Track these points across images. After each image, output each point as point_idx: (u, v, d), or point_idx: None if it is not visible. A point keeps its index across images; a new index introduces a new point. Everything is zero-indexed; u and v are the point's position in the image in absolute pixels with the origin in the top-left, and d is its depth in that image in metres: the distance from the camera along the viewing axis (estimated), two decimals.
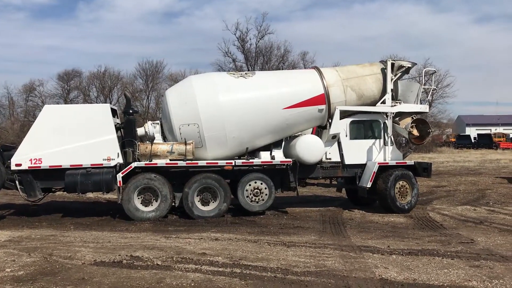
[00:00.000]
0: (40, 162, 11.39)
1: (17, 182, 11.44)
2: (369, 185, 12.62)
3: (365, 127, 13.41)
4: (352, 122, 13.12)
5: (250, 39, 54.59)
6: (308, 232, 9.99)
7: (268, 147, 12.93)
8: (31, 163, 11.36)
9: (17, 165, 11.35)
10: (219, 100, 12.04)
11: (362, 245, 8.37)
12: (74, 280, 6.28)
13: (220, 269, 6.71)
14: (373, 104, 13.16)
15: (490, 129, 77.66)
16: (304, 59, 56.30)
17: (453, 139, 66.74)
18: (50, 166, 11.42)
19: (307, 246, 8.25)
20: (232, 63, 54.15)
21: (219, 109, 11.95)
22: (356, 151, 13.06)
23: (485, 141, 60.82)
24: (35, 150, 11.39)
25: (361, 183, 12.95)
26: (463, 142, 62.42)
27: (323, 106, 12.71)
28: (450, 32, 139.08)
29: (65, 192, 12.32)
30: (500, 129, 77.45)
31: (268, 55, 56.67)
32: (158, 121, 12.86)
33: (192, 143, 11.87)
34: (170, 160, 11.89)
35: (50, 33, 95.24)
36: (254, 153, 12.92)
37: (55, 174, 11.48)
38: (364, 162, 13.08)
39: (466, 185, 20.29)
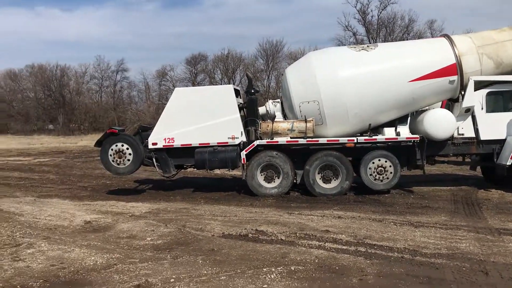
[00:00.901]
0: (172, 141, 12.27)
1: (154, 160, 12.47)
2: (509, 162, 11.42)
3: (504, 99, 12.10)
4: (489, 94, 11.92)
5: (371, 10, 52.45)
6: (437, 212, 9.40)
7: (392, 123, 12.33)
8: (165, 142, 12.29)
9: (153, 144, 12.36)
10: (339, 76, 11.75)
11: (501, 228, 7.65)
12: (205, 250, 6.70)
13: (344, 247, 6.64)
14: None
15: None
16: (432, 28, 52.47)
17: None
18: (181, 145, 12.25)
19: (437, 227, 7.77)
20: (352, 37, 52.56)
21: (340, 85, 11.67)
22: (494, 125, 11.85)
23: None
24: (168, 130, 12.29)
25: (499, 160, 11.77)
26: None
27: (455, 77, 11.71)
28: None
29: (195, 169, 13.13)
30: None
31: (391, 26, 53.84)
32: (279, 100, 13.00)
33: (312, 120, 11.80)
34: (291, 137, 11.98)
35: (178, 21, 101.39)
36: (377, 129, 12.42)
37: (186, 152, 12.29)
38: (503, 138, 11.84)
39: None
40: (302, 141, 11.86)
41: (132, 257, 6.44)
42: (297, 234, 7.39)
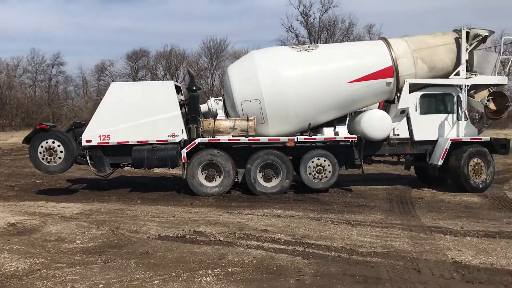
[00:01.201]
0: (108, 138, 11.75)
1: (87, 158, 11.89)
2: (440, 162, 11.91)
3: (436, 101, 12.61)
4: (422, 96, 12.37)
5: (313, 13, 53.53)
6: (374, 211, 9.61)
7: (332, 123, 12.53)
8: (100, 139, 11.75)
9: (87, 141, 11.78)
10: (281, 75, 11.75)
11: (432, 226, 7.91)
12: (138, 253, 6.40)
13: (282, 247, 6.58)
14: (446, 76, 12.30)
15: None
16: (370, 32, 54.36)
17: None
18: (118, 142, 11.76)
19: (373, 226, 7.91)
20: (295, 39, 53.37)
21: (281, 85, 11.68)
22: (427, 127, 12.33)
23: None
24: (104, 127, 11.76)
25: (431, 161, 12.26)
26: None
27: (391, 79, 12.05)
28: None
29: (133, 168, 12.67)
30: None
31: (332, 29, 55.24)
32: (221, 98, 12.82)
33: (254, 119, 11.73)
34: (233, 136, 11.85)
35: (120, 14, 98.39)
36: (317, 129, 12.57)
37: (123, 150, 11.81)
38: (435, 138, 12.34)
39: None
40: (244, 139, 11.75)
41: (59, 261, 6.04)
42: (236, 234, 7.26)
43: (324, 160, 11.93)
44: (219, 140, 11.75)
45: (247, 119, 11.72)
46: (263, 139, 11.86)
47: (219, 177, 11.78)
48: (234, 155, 11.93)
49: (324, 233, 7.37)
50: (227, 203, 10.66)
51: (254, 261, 5.99)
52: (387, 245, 6.61)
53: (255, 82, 11.74)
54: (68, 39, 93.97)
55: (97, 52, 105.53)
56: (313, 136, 12.05)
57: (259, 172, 11.85)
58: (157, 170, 15.67)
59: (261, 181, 11.85)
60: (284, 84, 11.69)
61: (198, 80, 58.50)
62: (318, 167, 11.90)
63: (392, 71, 12.02)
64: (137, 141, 11.83)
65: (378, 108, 13.21)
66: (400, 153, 12.75)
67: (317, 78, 11.89)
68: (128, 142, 11.75)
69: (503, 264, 5.76)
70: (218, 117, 12.24)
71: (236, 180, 12.02)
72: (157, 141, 11.86)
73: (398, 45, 12.33)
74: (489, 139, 12.15)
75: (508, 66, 13.44)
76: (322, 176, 11.91)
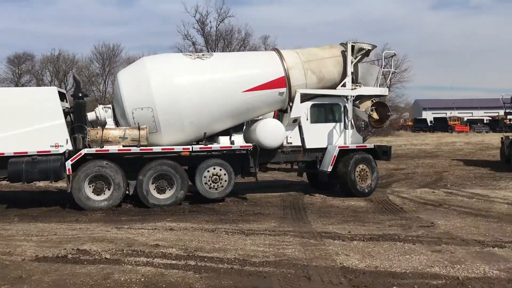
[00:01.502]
0: None
1: None
2: (329, 169, 12.44)
3: (325, 111, 13.18)
4: (313, 106, 12.85)
5: (210, 22, 53.76)
6: (268, 218, 9.69)
7: (227, 132, 12.50)
8: None
9: None
10: (174, 83, 11.47)
11: (323, 231, 8.14)
12: (10, 278, 5.72)
13: (173, 262, 6.29)
14: (334, 87, 12.92)
15: (446, 113, 79.94)
16: (265, 43, 55.94)
17: (410, 123, 68.32)
18: None
19: (266, 234, 7.93)
20: (192, 47, 53.09)
21: (174, 92, 11.40)
22: (317, 135, 12.82)
23: (441, 125, 62.53)
24: None
25: (321, 167, 12.75)
26: (420, 125, 63.99)
27: (284, 89, 12.35)
28: (407, 17, 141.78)
29: (10, 182, 11.49)
30: (455, 113, 79.83)
31: (228, 39, 55.94)
32: (110, 105, 12.17)
33: (146, 128, 11.28)
34: (123, 146, 11.28)
35: (1, 15, 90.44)
36: (213, 138, 12.46)
37: None
38: (325, 146, 12.88)
39: (424, 168, 20.61)
40: (135, 149, 11.23)
41: None
42: (124, 251, 6.82)
43: (220, 169, 11.82)
44: (108, 150, 11.11)
45: (139, 128, 11.24)
46: (156, 148, 11.45)
47: (108, 190, 11.11)
48: (124, 166, 11.34)
49: (217, 244, 7.21)
50: (116, 217, 10.07)
51: (143, 279, 5.64)
52: (279, 254, 6.64)
53: (147, 89, 11.33)
54: None
55: None
56: (209, 145, 11.91)
57: (152, 183, 11.40)
58: (40, 184, 14.41)
59: (154, 192, 11.40)
60: (178, 91, 11.43)
61: (89, 87, 55.59)
62: (214, 177, 11.76)
63: (284, 82, 12.32)
64: (15, 152, 10.77)
65: (273, 117, 13.48)
66: (293, 160, 13.08)
67: (212, 86, 11.80)
68: (3, 153, 10.64)
69: (386, 266, 6.05)
70: (107, 126, 11.58)
71: (127, 192, 11.45)
72: (38, 152, 10.89)
73: (290, 56, 12.69)
74: (373, 146, 12.95)
75: (389, 78, 14.45)
76: (218, 185, 11.79)
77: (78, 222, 9.36)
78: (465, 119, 69.18)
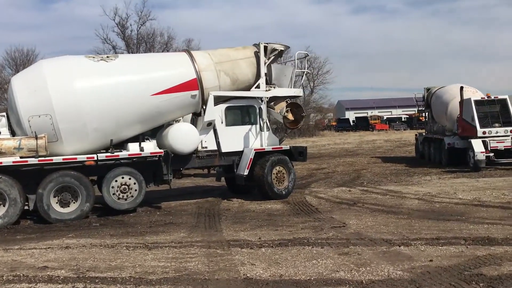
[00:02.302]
0: None
1: None
2: (246, 172, 12.13)
3: (241, 113, 12.89)
4: (227, 108, 12.50)
5: (131, 25, 52.15)
6: (179, 228, 9.18)
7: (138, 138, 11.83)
8: None
9: None
10: (74, 87, 10.64)
11: (232, 239, 7.76)
12: None
13: (59, 286, 5.61)
14: (248, 88, 12.64)
15: (367, 112, 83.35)
16: (189, 47, 55.06)
17: (334, 123, 70.38)
18: None
19: (171, 247, 7.41)
20: (112, 50, 51.10)
21: (75, 97, 10.56)
22: (233, 138, 12.48)
23: (362, 124, 64.98)
24: None
25: (238, 171, 12.42)
26: (343, 125, 66.08)
27: (196, 92, 11.88)
28: (329, 22, 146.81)
29: None
30: (376, 112, 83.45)
31: (151, 42, 54.59)
32: (4, 114, 11.07)
33: (45, 137, 10.34)
34: (20, 157, 10.26)
35: None
36: (123, 145, 11.71)
37: None
38: (241, 149, 12.56)
39: (344, 166, 21.03)
40: (32, 160, 10.26)
41: None
42: (4, 278, 6.01)
43: (129, 178, 11.12)
44: (1, 163, 10.04)
45: (36, 137, 10.28)
46: (57, 159, 10.54)
47: (3, 206, 10.05)
48: (22, 180, 10.33)
49: (115, 262, 6.59)
50: (11, 236, 9.10)
51: None
52: (181, 268, 6.16)
53: (44, 94, 10.42)
54: None
55: None
56: (116, 153, 11.16)
57: (54, 196, 10.49)
58: None
59: (56, 206, 10.49)
60: (79, 96, 10.62)
61: (1, 94, 51.69)
62: (123, 187, 11.05)
63: (196, 84, 11.86)
64: None
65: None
66: (209, 165, 12.66)
67: (117, 90, 11.09)
68: None
69: (291, 274, 5.78)
70: (0, 136, 10.49)
71: (27, 208, 10.44)
72: None
73: (202, 57, 12.26)
74: (289, 148, 12.82)
75: (302, 79, 14.49)
76: (127, 195, 11.08)
77: None
78: (385, 117, 72.45)
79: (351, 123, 67.44)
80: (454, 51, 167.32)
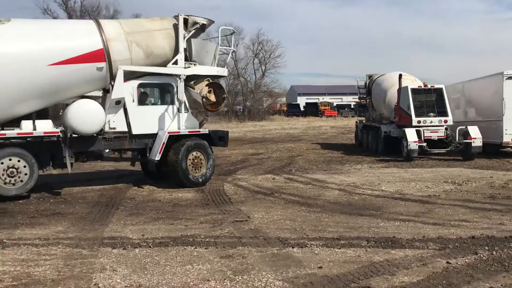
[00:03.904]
0: None
1: None
2: (158, 157, 11.02)
3: (156, 92, 11.78)
4: (140, 85, 11.30)
5: None
6: (61, 220, 8.00)
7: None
8: None
9: None
10: None
11: (109, 237, 6.69)
12: None
13: None
14: (165, 64, 11.43)
15: (318, 98, 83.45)
16: None
17: (284, 108, 69.98)
18: None
19: (32, 244, 6.25)
20: None
21: None
22: (146, 119, 11.30)
23: (312, 109, 64.91)
24: None
25: (151, 156, 11.29)
26: (293, 110, 65.75)
27: (103, 64, 10.57)
28: (285, 5, 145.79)
29: None
30: (327, 98, 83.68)
31: (95, 15, 51.76)
32: None
33: None
34: None
35: None
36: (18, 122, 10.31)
37: None
38: (155, 132, 11.41)
39: (281, 152, 20.30)
40: None
41: None
42: None
43: (18, 161, 9.81)
44: None
45: None
46: None
47: None
48: None
49: None
50: None
51: None
52: (23, 274, 5.04)
53: None
54: None
55: None
56: (2, 132, 9.76)
57: None
58: None
59: None
60: None
61: None
62: (11, 169, 9.73)
63: (103, 55, 10.55)
64: None
65: None
66: (118, 148, 11.40)
67: (6, 59, 9.64)
68: None
69: (153, 284, 4.79)
70: None
71: None
72: None
73: (111, 26, 10.95)
74: (208, 132, 11.77)
75: (229, 57, 13.46)
76: (15, 180, 9.75)
77: None
78: (335, 104, 72.69)
79: (302, 109, 67.22)
80: (406, 41, 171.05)
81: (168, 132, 11.19)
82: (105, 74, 10.72)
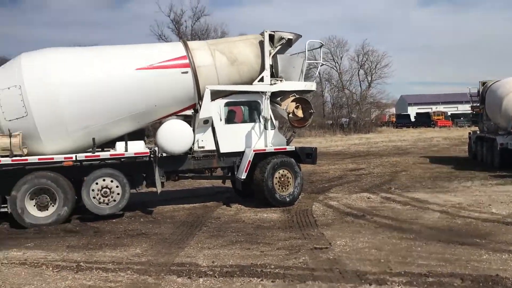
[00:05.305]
0: None
1: None
2: (243, 176, 10.80)
3: (242, 110, 11.57)
4: (227, 104, 11.24)
5: (185, 21, 52.44)
6: (144, 241, 8.06)
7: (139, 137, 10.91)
8: None
9: None
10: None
11: (179, 263, 6.49)
12: None
13: None
14: (251, 77, 11.23)
15: (431, 108, 78.44)
16: None
17: (393, 119, 66.85)
18: None
19: (104, 269, 6.27)
20: None
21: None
22: (233, 137, 11.17)
23: (423, 120, 61.10)
24: None
25: (238, 174, 11.13)
26: (402, 121, 62.52)
27: (187, 69, 10.60)
28: (393, 14, 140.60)
29: None
30: (441, 108, 78.37)
31: (205, 38, 54.35)
32: None
33: (20, 135, 9.62)
34: (1, 156, 9.62)
35: None
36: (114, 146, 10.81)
37: None
38: (242, 150, 11.23)
39: (383, 167, 19.06)
40: (6, 160, 9.58)
41: None
42: None
43: (111, 181, 10.19)
44: None
45: (10, 135, 9.57)
46: (32, 159, 9.79)
47: None
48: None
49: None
50: None
51: None
52: None
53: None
54: None
55: None
56: (97, 153, 10.25)
57: (32, 199, 9.77)
58: None
59: (32, 210, 9.76)
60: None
61: None
62: (104, 190, 10.13)
63: (186, 60, 10.64)
64: None
65: None
66: (206, 167, 11.41)
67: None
68: None
69: None
70: None
71: (7, 210, 9.78)
72: None
73: (195, 43, 11.28)
74: (294, 149, 11.29)
75: (317, 71, 12.87)
76: (109, 199, 10.15)
77: None
78: (449, 113, 67.68)
79: (412, 119, 63.61)
80: None
81: (254, 150, 10.94)
82: (189, 81, 10.69)
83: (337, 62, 58.95)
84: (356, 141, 38.77)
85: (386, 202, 11.14)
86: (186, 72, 10.60)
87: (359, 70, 59.07)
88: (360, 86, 59.52)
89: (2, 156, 9.60)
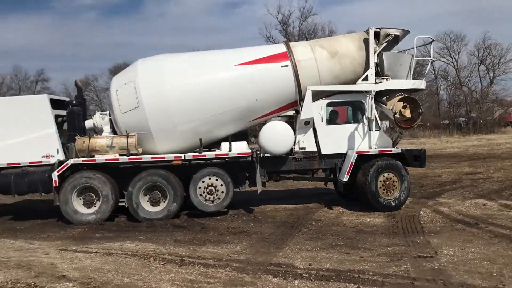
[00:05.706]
0: None
1: None
2: (345, 178, 10.54)
3: (345, 110, 11.30)
4: (329, 104, 11.07)
5: (293, 22, 52.83)
6: (245, 239, 8.26)
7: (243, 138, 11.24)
8: None
9: None
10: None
11: (277, 263, 6.52)
12: None
13: None
14: (355, 75, 10.95)
15: None
16: None
17: None
18: None
19: (205, 265, 6.52)
20: None
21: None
22: (335, 139, 10.98)
23: None
24: None
25: (339, 176, 10.90)
26: None
27: (287, 62, 10.67)
28: None
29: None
30: None
31: (312, 38, 54.26)
32: (107, 112, 11.53)
33: (135, 135, 10.42)
34: (120, 155, 10.54)
35: (116, 30, 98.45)
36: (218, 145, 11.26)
37: None
38: (345, 151, 10.99)
39: (505, 171, 17.39)
40: (123, 159, 10.44)
41: None
42: (20, 283, 5.89)
43: (216, 180, 10.60)
44: (94, 160, 10.44)
45: (127, 136, 10.41)
46: (146, 157, 10.54)
47: (98, 202, 10.45)
48: (117, 177, 10.62)
49: (130, 278, 5.99)
50: (92, 234, 9.32)
51: None
52: None
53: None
54: (51, 54, 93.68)
55: (83, 68, 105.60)
56: (203, 153, 10.73)
57: (145, 195, 10.54)
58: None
59: (145, 205, 10.52)
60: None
61: None
62: (210, 188, 10.58)
63: (286, 55, 10.73)
64: (8, 164, 10.56)
65: None
66: (307, 168, 11.31)
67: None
68: None
69: None
70: (96, 135, 10.94)
71: (124, 205, 10.67)
72: (30, 163, 10.58)
73: (296, 42, 11.21)
74: (400, 151, 10.76)
75: (427, 69, 12.09)
76: (214, 197, 10.57)
77: (36, 240, 8.70)
78: None
79: None
80: None
81: (357, 152, 10.63)
82: (289, 76, 10.69)
83: (454, 58, 55.03)
84: (475, 143, 35.85)
85: (504, 210, 10.14)
86: (286, 66, 10.65)
87: (479, 66, 54.48)
88: (481, 83, 54.92)
89: (121, 155, 10.48)
